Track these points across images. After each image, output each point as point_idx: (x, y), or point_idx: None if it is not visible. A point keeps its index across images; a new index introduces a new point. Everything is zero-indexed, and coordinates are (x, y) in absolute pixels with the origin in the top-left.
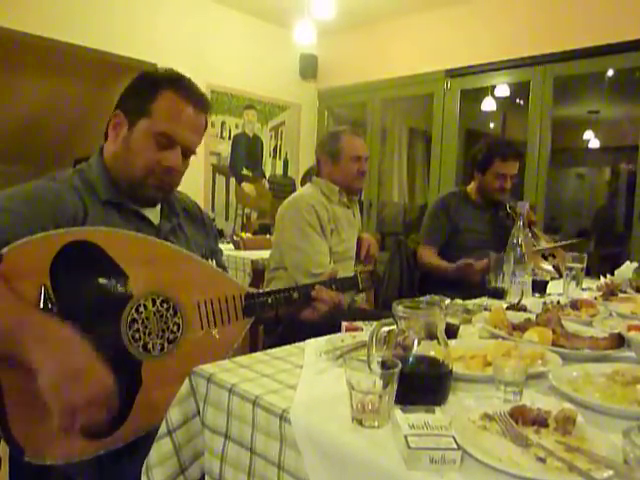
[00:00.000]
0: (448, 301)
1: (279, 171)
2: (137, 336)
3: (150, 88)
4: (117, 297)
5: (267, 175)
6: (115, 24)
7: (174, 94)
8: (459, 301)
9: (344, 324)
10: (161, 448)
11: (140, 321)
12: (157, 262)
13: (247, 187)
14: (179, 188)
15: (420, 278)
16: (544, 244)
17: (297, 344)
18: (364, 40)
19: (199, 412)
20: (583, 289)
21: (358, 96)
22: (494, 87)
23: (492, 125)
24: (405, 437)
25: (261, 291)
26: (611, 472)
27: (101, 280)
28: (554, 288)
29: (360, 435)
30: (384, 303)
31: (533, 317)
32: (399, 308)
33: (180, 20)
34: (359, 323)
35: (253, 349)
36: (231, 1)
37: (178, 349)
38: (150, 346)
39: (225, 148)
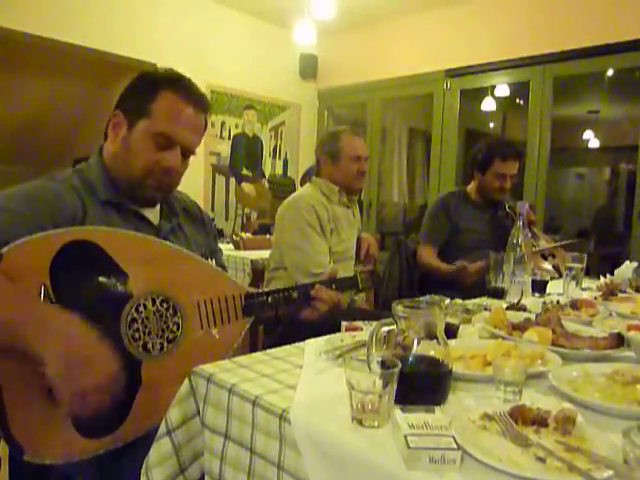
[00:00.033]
0: (448, 301)
1: (279, 171)
2: (137, 336)
3: (150, 88)
4: (117, 296)
5: (267, 175)
6: (115, 24)
7: (173, 94)
8: (459, 301)
9: (344, 324)
10: (161, 448)
11: (140, 321)
12: (157, 262)
13: (247, 187)
14: (179, 188)
15: (420, 278)
16: (544, 244)
17: (297, 344)
18: (364, 40)
19: (199, 412)
20: (583, 289)
21: (358, 96)
22: (494, 87)
23: (492, 125)
24: (405, 437)
25: (261, 291)
26: (611, 472)
27: (101, 279)
28: (554, 288)
29: (360, 435)
30: (384, 303)
31: (533, 317)
32: (399, 308)
33: (180, 20)
34: (359, 323)
35: (253, 349)
36: (231, 1)
37: (178, 349)
38: (150, 346)
39: (225, 148)
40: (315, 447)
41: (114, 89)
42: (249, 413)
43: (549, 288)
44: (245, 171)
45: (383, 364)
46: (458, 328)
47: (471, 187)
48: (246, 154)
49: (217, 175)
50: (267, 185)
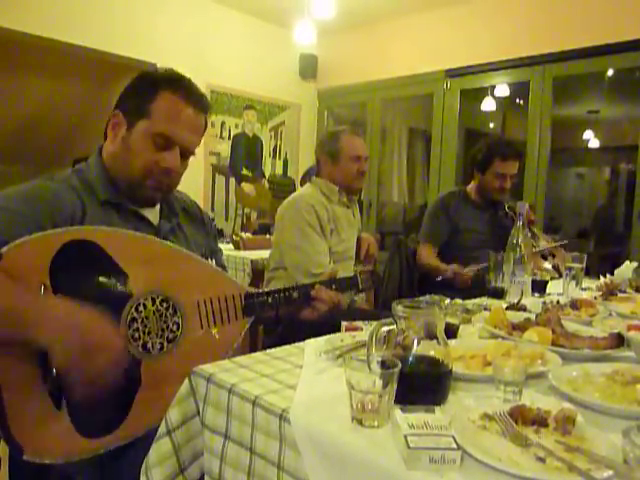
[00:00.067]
0: (448, 301)
1: (279, 171)
2: (137, 335)
3: (149, 88)
4: (117, 296)
5: (267, 175)
6: (115, 24)
7: (173, 95)
8: (459, 301)
9: (344, 324)
10: (160, 448)
11: (140, 320)
12: (157, 261)
13: (247, 187)
14: (179, 188)
15: (420, 278)
16: (544, 244)
17: (297, 344)
18: (364, 40)
19: (199, 412)
20: (583, 289)
21: (358, 96)
22: (494, 87)
23: (492, 125)
24: (405, 437)
25: (261, 291)
26: (611, 472)
27: (101, 279)
28: (554, 288)
29: (360, 435)
30: (384, 303)
31: (533, 317)
32: (399, 308)
33: (180, 20)
34: (359, 323)
35: (253, 349)
36: (231, 1)
37: (178, 348)
38: (150, 345)
39: (225, 148)
40: (315, 447)
41: (114, 89)
42: (249, 413)
43: (549, 288)
44: (245, 171)
45: (383, 364)
46: (458, 328)
47: (471, 187)
48: (246, 154)
49: (217, 175)
50: (267, 185)
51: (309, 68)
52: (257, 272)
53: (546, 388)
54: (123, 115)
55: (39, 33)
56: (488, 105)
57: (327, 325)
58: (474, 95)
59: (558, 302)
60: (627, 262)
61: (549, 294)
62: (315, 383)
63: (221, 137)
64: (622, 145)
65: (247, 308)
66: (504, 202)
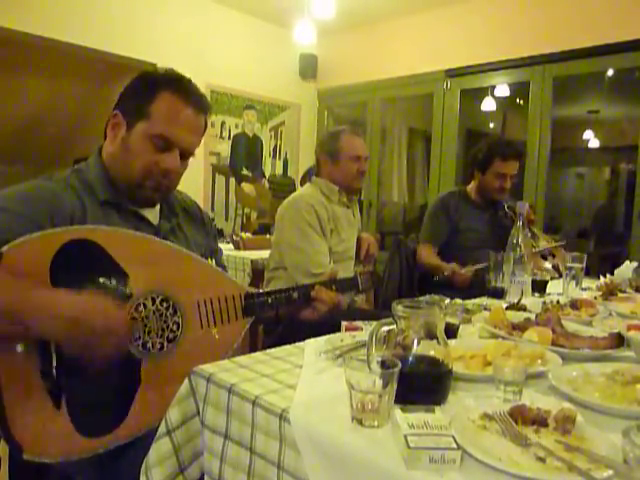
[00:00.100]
0: (448, 301)
1: (279, 171)
2: (137, 335)
3: (149, 89)
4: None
5: (267, 175)
6: (115, 24)
7: (172, 95)
8: (459, 301)
9: (344, 324)
10: (160, 448)
11: (140, 320)
12: (157, 261)
13: (247, 187)
14: (179, 187)
15: (420, 278)
16: (544, 244)
17: (297, 344)
18: (364, 40)
19: (199, 412)
20: (583, 289)
21: (358, 96)
22: (494, 87)
23: (492, 125)
24: (405, 437)
25: (261, 291)
26: (611, 472)
27: (101, 279)
28: (554, 288)
29: (360, 435)
30: (384, 303)
31: (533, 317)
32: (399, 308)
33: (180, 20)
34: (359, 323)
35: (253, 349)
36: (231, 1)
37: (178, 348)
38: (150, 345)
39: (225, 148)
40: (315, 447)
41: (114, 89)
42: (249, 413)
43: (549, 288)
44: (245, 171)
45: (383, 364)
46: (458, 328)
47: (471, 187)
48: (246, 154)
49: (217, 175)
50: (267, 185)
51: (309, 68)
52: (257, 272)
53: (546, 388)
54: (123, 116)
55: (39, 33)
56: (488, 105)
57: (327, 325)
58: (474, 95)
59: (558, 302)
60: (627, 262)
61: (549, 294)
62: (315, 383)
63: (221, 137)
64: (622, 145)
65: (247, 308)
66: (504, 202)
